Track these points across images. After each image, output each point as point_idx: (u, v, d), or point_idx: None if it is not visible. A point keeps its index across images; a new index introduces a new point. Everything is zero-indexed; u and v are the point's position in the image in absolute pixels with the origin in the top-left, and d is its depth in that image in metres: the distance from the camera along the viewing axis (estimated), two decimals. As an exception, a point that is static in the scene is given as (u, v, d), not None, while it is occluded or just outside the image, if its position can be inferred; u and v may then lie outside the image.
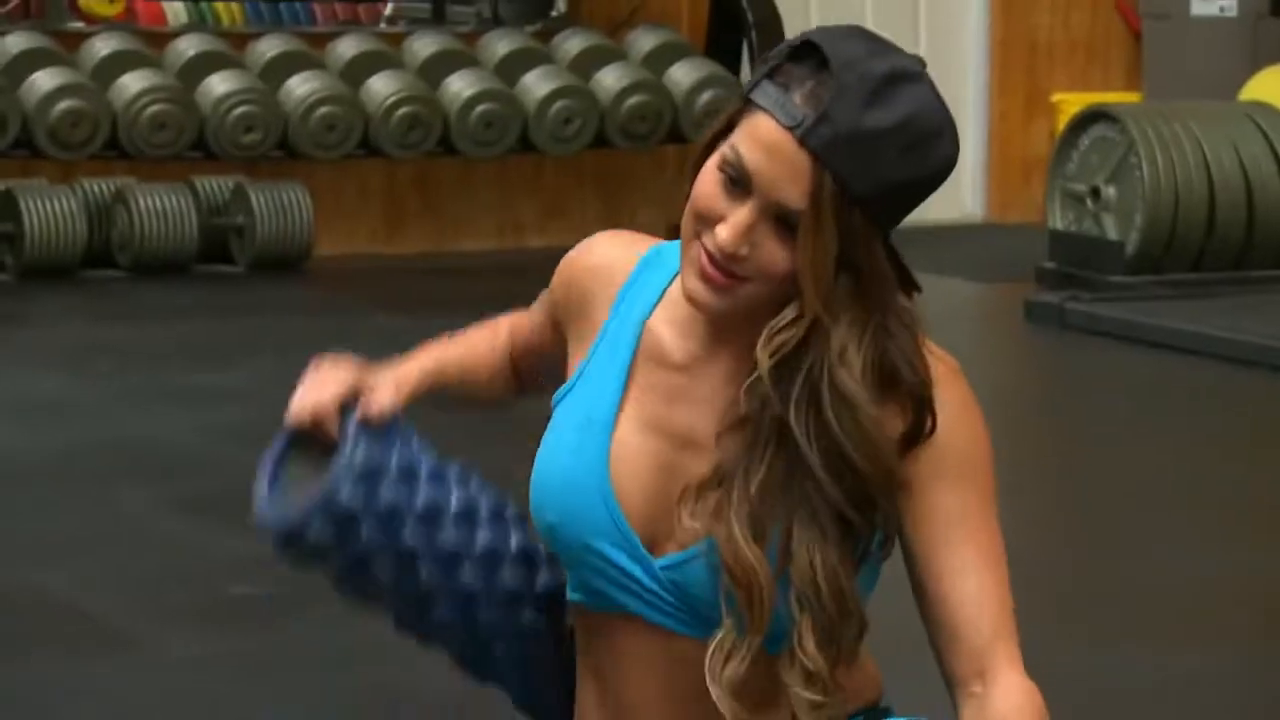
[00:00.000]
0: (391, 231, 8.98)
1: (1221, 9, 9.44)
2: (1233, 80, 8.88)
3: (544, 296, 2.15)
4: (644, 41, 9.80)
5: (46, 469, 5.58)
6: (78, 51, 8.69)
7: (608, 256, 2.11)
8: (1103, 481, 5.91)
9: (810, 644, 1.92)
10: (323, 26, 9.33)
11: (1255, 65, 9.03)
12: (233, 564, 4.51)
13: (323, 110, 8.55)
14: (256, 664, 4.08)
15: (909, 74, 1.81)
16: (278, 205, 8.34)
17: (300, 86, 8.62)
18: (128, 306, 7.85)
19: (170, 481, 5.44)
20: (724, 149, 1.83)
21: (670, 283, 2.04)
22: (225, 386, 6.55)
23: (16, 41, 8.55)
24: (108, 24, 9.05)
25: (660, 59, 9.65)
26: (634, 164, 8.91)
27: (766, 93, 1.79)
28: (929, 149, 1.84)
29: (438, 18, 9.44)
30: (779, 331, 1.87)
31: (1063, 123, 8.30)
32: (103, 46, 8.73)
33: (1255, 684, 4.09)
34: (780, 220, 1.82)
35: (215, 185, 8.69)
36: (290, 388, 5.87)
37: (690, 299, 1.90)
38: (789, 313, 1.87)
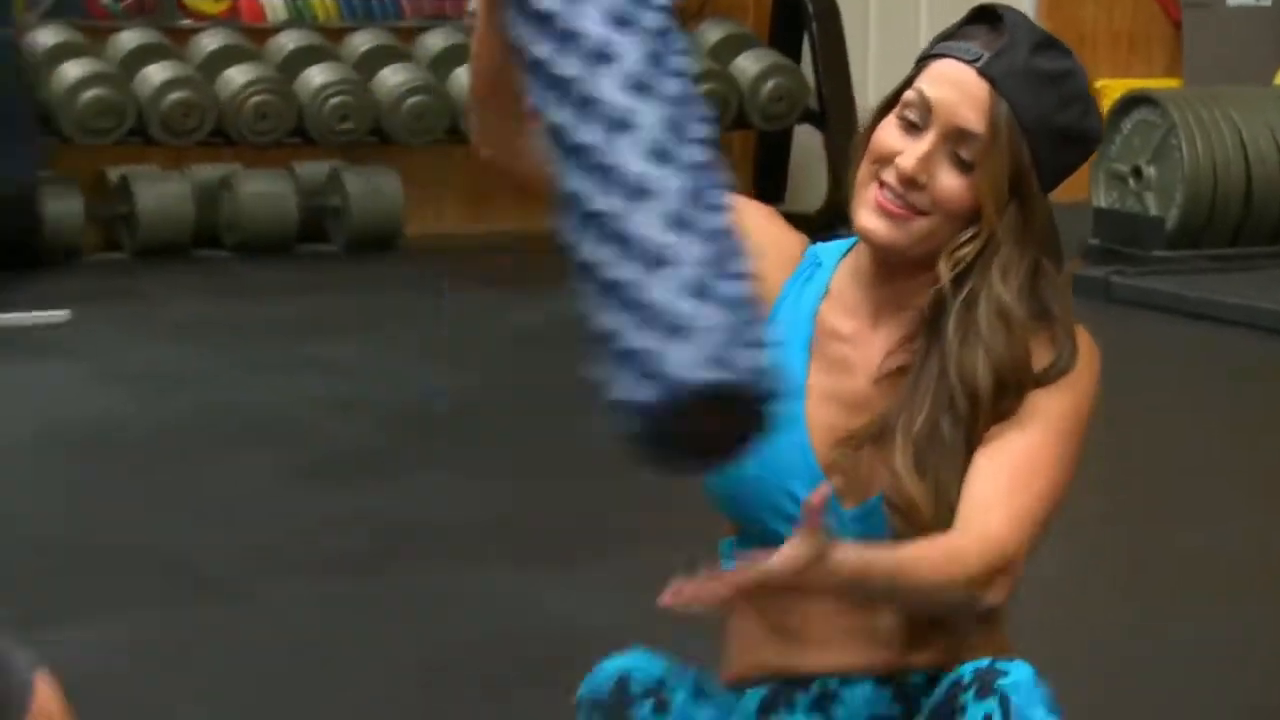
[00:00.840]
0: (478, 212, 9.15)
1: (1256, 1, 9.63)
2: (1268, 66, 9.03)
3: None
4: (712, 33, 9.94)
5: (163, 434, 5.73)
6: (187, 46, 8.92)
7: (791, 239, 2.26)
8: (1153, 449, 5.94)
9: None
10: (412, 20, 9.41)
11: None
12: (335, 521, 4.74)
13: (413, 100, 8.72)
14: (359, 609, 4.20)
15: (1065, 47, 2.05)
16: (371, 188, 8.53)
17: (392, 77, 8.66)
18: (235, 283, 8.08)
19: (279, 446, 5.57)
20: (905, 96, 2.03)
21: (831, 277, 2.20)
22: (327, 357, 6.71)
23: (131, 38, 8.77)
24: (213, 21, 9.24)
25: (727, 50, 9.75)
26: (702, 149, 9.06)
27: (946, 45, 2.02)
28: (1085, 110, 2.03)
29: (520, 12, 9.55)
30: (959, 248, 2.01)
31: (1106, 107, 8.45)
32: (210, 42, 8.96)
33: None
34: (955, 154, 2.01)
35: (313, 170, 8.91)
36: (385, 359, 6.40)
37: (866, 236, 2.04)
38: (968, 231, 2.02)
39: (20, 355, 6.48)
